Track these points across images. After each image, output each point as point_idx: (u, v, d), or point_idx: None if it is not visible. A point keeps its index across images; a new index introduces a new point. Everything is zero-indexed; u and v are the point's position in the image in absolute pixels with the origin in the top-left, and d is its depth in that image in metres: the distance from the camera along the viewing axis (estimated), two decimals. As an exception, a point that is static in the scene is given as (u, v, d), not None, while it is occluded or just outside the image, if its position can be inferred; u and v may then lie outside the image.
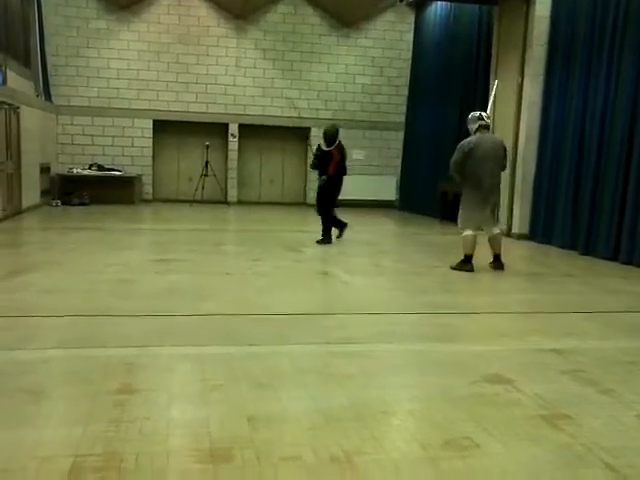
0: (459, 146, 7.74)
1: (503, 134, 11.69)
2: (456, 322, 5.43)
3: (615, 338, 5.07)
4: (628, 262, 8.63)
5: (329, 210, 9.97)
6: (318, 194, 10.13)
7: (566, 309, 5.96)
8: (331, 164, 9.67)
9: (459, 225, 7.94)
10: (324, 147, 9.85)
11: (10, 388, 3.50)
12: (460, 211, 7.94)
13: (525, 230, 11.36)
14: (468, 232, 7.74)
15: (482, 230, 7.85)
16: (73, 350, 4.24)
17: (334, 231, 10.10)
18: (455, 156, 7.70)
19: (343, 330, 4.95)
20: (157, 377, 3.81)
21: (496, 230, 7.95)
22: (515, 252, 10.40)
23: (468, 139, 7.73)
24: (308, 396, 3.52)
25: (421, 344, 4.71)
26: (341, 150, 9.85)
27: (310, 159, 12.12)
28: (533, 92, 11.13)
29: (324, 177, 9.77)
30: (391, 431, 3.23)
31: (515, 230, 11.45)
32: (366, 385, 3.74)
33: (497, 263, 7.94)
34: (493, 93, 9.39)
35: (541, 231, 10.93)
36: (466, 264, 7.76)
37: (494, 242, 7.93)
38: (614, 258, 8.91)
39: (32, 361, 3.96)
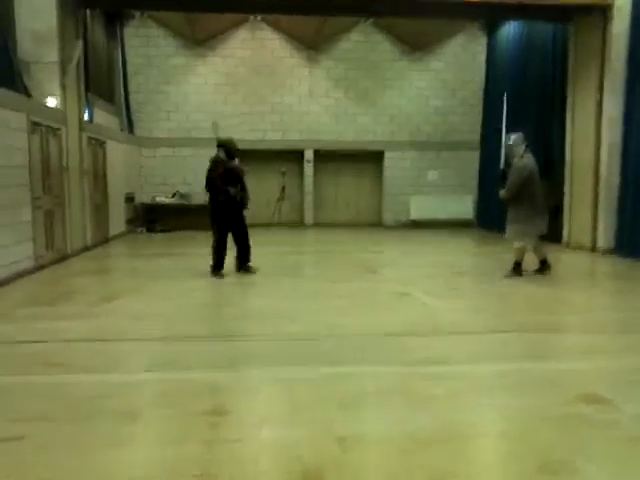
0: (518, 170, 8.17)
1: (584, 149, 11.47)
2: (545, 340, 5.27)
3: None
4: None
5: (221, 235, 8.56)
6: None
7: (662, 327, 5.69)
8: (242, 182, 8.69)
9: (515, 238, 8.37)
10: (227, 162, 8.60)
11: (105, 410, 3.62)
12: (515, 225, 8.34)
13: (610, 245, 10.97)
14: (521, 243, 8.34)
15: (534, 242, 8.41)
16: (163, 373, 4.36)
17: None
18: (516, 180, 8.15)
19: (426, 351, 4.88)
20: (245, 399, 3.87)
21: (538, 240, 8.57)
22: (601, 267, 10.07)
23: (524, 162, 8.20)
24: (395, 418, 3.48)
25: (511, 363, 4.58)
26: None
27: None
28: (613, 107, 10.87)
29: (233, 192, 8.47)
30: (483, 454, 3.15)
31: (600, 244, 11.08)
32: (455, 406, 3.66)
33: (545, 266, 8.57)
34: (505, 107, 9.29)
35: (627, 245, 10.52)
36: (518, 270, 8.42)
37: (542, 249, 8.61)
38: None
39: (125, 384, 4.10)
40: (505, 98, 9.52)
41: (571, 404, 3.64)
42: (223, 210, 8.45)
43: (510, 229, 8.46)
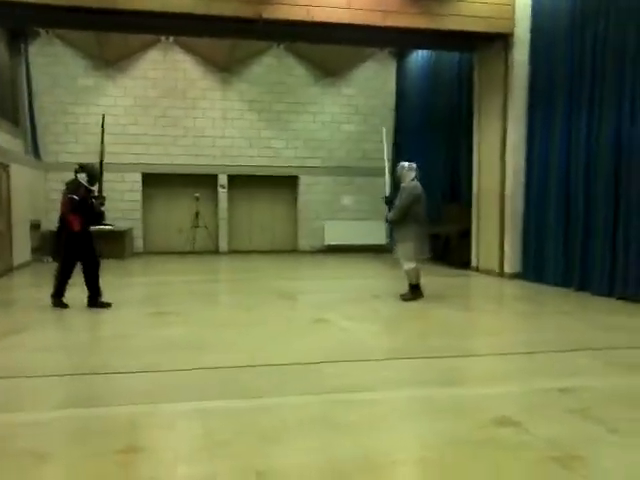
0: (409, 189, 8.67)
1: (490, 175, 11.93)
2: (458, 365, 5.41)
3: (618, 375, 5.05)
4: (623, 297, 8.67)
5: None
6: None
7: (566, 347, 5.95)
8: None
9: (406, 259, 8.64)
10: (90, 188, 8.25)
11: (11, 451, 3.42)
12: (407, 245, 8.62)
13: (517, 269, 11.41)
14: (412, 264, 8.62)
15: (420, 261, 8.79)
16: (73, 410, 4.16)
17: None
18: (406, 201, 8.60)
19: (344, 378, 4.90)
20: (160, 435, 3.74)
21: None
22: (509, 291, 10.45)
23: (413, 184, 8.72)
24: (316, 448, 3.46)
25: (425, 388, 4.66)
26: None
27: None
28: (516, 134, 11.35)
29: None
30: (403, 480, 3.18)
31: (507, 270, 11.50)
32: (374, 434, 3.68)
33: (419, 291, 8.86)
34: (384, 139, 10.10)
35: (533, 270, 10.98)
36: (418, 292, 8.72)
37: (419, 272, 8.89)
38: (609, 294, 8.94)
39: (33, 423, 3.88)
40: (384, 131, 10.41)
41: (484, 428, 3.73)
42: (76, 239, 8.05)
43: (400, 248, 8.80)
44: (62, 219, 8.20)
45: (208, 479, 3.09)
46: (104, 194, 8.36)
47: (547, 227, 10.61)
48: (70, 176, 8.44)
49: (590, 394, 4.43)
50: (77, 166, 8.37)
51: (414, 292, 8.71)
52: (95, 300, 8.17)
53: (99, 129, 8.78)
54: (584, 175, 9.68)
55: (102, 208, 8.25)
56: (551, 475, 3.11)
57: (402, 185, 8.81)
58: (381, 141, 9.92)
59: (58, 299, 8.14)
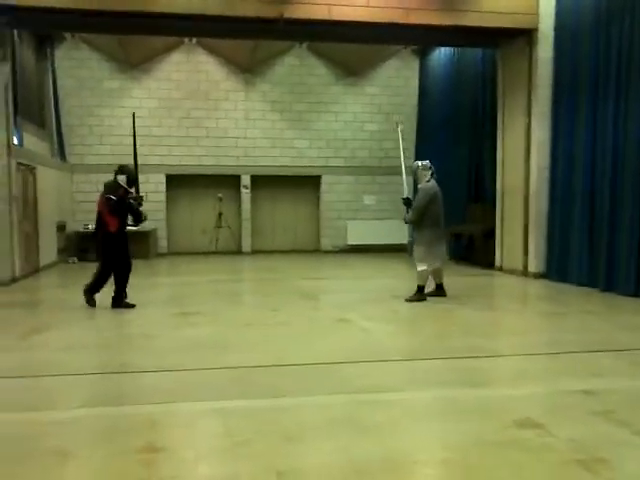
0: (425, 189, 8.59)
1: (514, 173, 11.82)
2: (481, 366, 5.37)
3: (644, 376, 4.98)
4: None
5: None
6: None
7: (590, 348, 5.87)
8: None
9: (419, 260, 8.61)
10: (128, 189, 8.20)
11: (36, 450, 3.47)
12: (422, 248, 8.63)
13: (541, 269, 11.29)
14: (425, 266, 8.56)
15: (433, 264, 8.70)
16: (97, 409, 4.21)
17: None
18: (422, 201, 8.56)
19: (367, 379, 4.89)
20: (182, 434, 3.78)
21: (441, 263, 8.98)
22: (532, 291, 10.35)
23: (430, 184, 8.64)
24: (338, 448, 3.46)
25: (448, 390, 4.63)
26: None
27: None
28: (541, 131, 11.23)
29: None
30: (425, 482, 3.17)
31: (531, 269, 11.39)
32: (396, 434, 3.67)
33: (441, 291, 8.94)
34: (400, 137, 9.89)
35: (557, 269, 10.85)
36: (422, 294, 8.63)
37: (440, 273, 8.94)
38: (636, 294, 8.80)
39: (57, 422, 3.93)
40: (400, 128, 10.20)
41: (508, 430, 3.70)
42: (112, 240, 8.06)
43: (416, 251, 8.78)
44: (99, 220, 8.18)
45: (229, 479, 3.10)
46: (142, 194, 8.32)
47: (572, 226, 10.48)
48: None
49: (615, 396, 4.37)
50: (117, 167, 8.39)
51: (420, 294, 8.66)
52: (120, 301, 8.21)
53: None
54: (610, 173, 9.54)
55: (140, 208, 8.23)
56: (575, 478, 3.07)
57: (419, 186, 8.78)
58: (397, 139, 9.82)
59: (90, 296, 8.20)
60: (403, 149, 9.64)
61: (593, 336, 6.48)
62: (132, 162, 8.38)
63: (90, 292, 8.24)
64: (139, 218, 8.33)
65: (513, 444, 3.49)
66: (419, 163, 8.92)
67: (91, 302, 8.20)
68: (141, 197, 8.26)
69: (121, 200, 8.03)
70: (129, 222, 8.40)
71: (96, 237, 8.33)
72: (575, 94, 10.45)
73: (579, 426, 3.77)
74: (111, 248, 8.11)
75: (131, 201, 8.13)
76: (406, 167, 9.37)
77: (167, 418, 4.03)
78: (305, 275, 12.74)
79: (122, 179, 8.17)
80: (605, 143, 9.69)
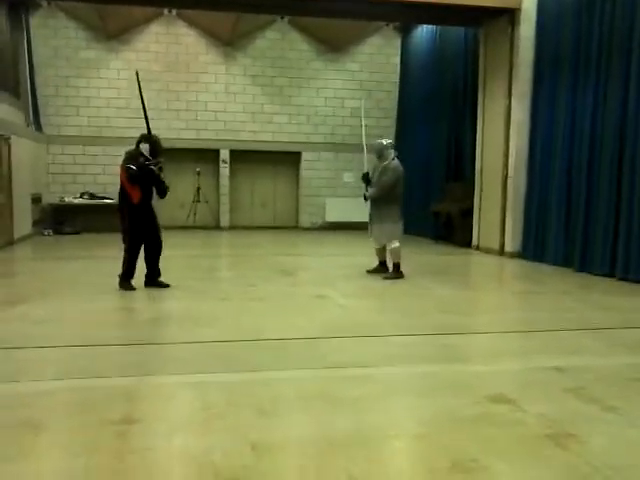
0: (393, 168, 8.60)
1: (493, 154, 11.86)
2: (457, 343, 5.42)
3: (616, 355, 5.07)
4: (624, 278, 8.65)
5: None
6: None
7: (565, 327, 5.96)
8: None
9: (392, 238, 8.66)
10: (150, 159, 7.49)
11: (8, 421, 3.44)
12: (394, 225, 8.70)
13: (517, 248, 11.39)
14: (398, 243, 8.64)
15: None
16: (70, 381, 4.18)
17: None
18: (392, 179, 8.57)
19: (343, 354, 4.92)
20: (157, 406, 3.77)
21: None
22: (509, 270, 10.45)
23: (396, 162, 8.67)
24: (312, 422, 3.48)
25: (423, 366, 4.68)
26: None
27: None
28: (520, 112, 11.25)
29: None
30: (397, 455, 3.20)
31: (508, 249, 11.49)
32: (370, 409, 3.70)
33: (383, 267, 9.00)
34: (363, 113, 10.23)
35: (533, 249, 10.97)
36: (400, 272, 8.68)
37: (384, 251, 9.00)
38: (611, 275, 8.93)
39: (30, 393, 3.90)
40: (363, 107, 10.60)
41: (480, 405, 3.75)
42: (137, 212, 7.47)
43: (387, 228, 8.70)
44: (121, 192, 7.53)
45: (204, 451, 3.10)
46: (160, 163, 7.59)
47: (549, 206, 10.57)
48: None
49: (586, 374, 4.43)
50: (139, 136, 7.64)
51: (397, 271, 8.70)
52: (154, 279, 7.76)
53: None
54: (587, 155, 9.61)
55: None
56: (545, 452, 3.12)
57: (383, 164, 8.68)
58: (360, 116, 9.85)
59: (127, 281, 7.53)
60: (365, 125, 9.68)
61: (567, 315, 6.57)
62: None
63: (126, 278, 7.53)
64: (163, 188, 7.65)
65: (485, 419, 3.54)
66: (384, 141, 8.87)
67: (129, 287, 7.50)
68: (159, 166, 7.54)
69: (141, 169, 7.36)
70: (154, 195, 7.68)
71: (121, 212, 7.56)
72: (556, 75, 10.47)
73: (550, 402, 3.82)
74: (136, 222, 7.46)
75: (152, 167, 7.43)
76: (367, 144, 9.34)
77: (143, 391, 4.02)
78: (283, 251, 12.74)
79: (145, 148, 7.48)
80: (583, 126, 9.74)
